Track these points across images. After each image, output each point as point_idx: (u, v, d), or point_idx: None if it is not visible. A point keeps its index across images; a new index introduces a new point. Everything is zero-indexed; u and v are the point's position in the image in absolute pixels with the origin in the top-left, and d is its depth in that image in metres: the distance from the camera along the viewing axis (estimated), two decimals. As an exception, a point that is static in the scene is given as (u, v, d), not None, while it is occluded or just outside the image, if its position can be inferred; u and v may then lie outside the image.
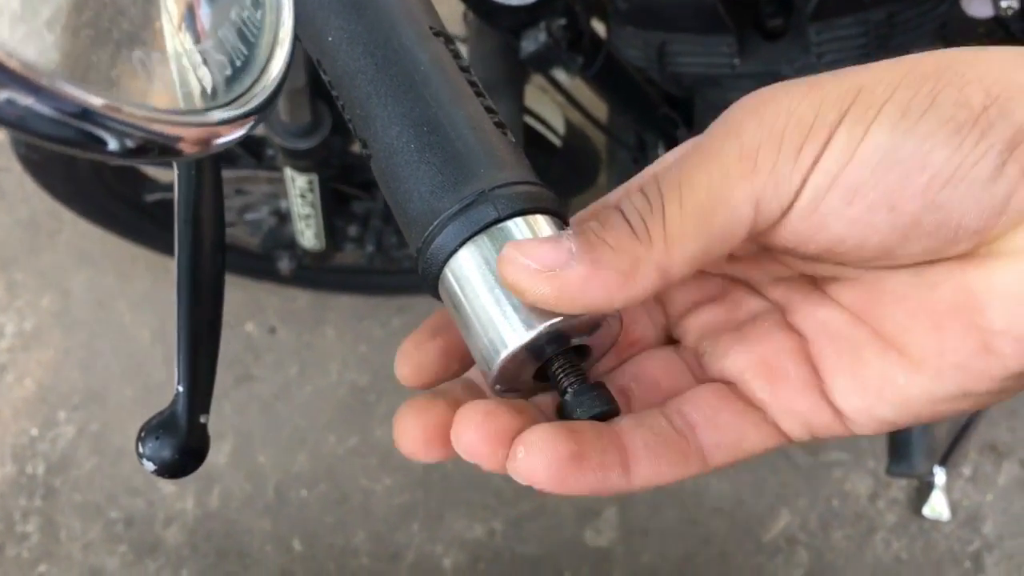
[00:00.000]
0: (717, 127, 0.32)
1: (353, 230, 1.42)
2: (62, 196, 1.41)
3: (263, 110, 0.26)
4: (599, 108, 1.23)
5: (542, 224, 0.34)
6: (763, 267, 0.37)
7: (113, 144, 0.21)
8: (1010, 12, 0.93)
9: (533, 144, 1.31)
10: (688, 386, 0.36)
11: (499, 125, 0.36)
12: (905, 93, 0.29)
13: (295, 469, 1.61)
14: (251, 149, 1.32)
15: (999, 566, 1.46)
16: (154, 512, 1.59)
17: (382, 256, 1.45)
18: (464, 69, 0.37)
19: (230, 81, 0.27)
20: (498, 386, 0.34)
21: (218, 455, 1.61)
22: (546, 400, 0.36)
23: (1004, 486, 1.50)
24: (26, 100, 0.20)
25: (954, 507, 1.48)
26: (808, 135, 0.30)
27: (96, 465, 1.63)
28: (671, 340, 0.39)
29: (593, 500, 1.54)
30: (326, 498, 1.59)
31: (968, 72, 0.29)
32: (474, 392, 0.36)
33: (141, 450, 0.37)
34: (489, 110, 0.36)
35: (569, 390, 0.34)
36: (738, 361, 0.35)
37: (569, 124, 1.38)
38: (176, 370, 0.38)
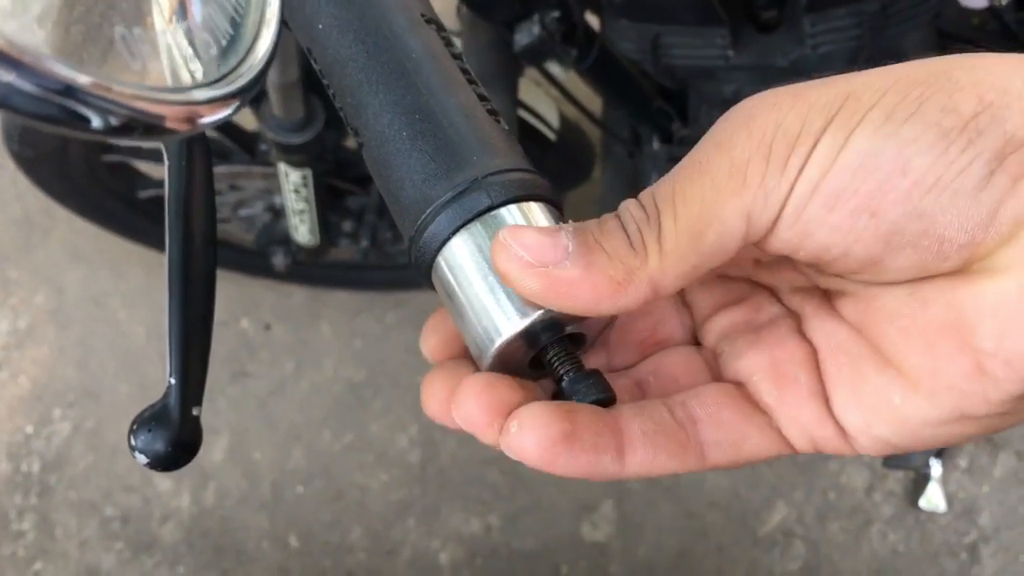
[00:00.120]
0: (708, 140, 0.32)
1: (348, 225, 1.41)
2: (55, 193, 1.40)
3: (249, 90, 0.26)
4: (593, 101, 1.23)
5: (536, 212, 0.34)
6: (783, 275, 0.37)
7: (97, 122, 0.20)
8: (1004, 2, 0.93)
9: (527, 138, 1.31)
10: (703, 384, 0.36)
11: (492, 112, 0.36)
12: (892, 98, 0.29)
13: (291, 465, 1.61)
14: (244, 144, 1.32)
15: (995, 557, 1.46)
16: (150, 509, 1.59)
17: (377, 251, 1.44)
18: (456, 56, 0.37)
19: (216, 61, 0.27)
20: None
21: (214, 452, 1.61)
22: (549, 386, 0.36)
23: (1000, 478, 1.50)
24: (7, 76, 0.19)
25: (950, 499, 1.49)
26: (795, 145, 0.29)
27: (91, 463, 1.62)
28: (697, 341, 0.39)
29: (589, 494, 1.54)
30: (322, 494, 1.59)
31: (963, 78, 0.29)
32: None
33: (133, 443, 0.37)
34: (482, 97, 0.36)
35: (565, 378, 0.33)
36: (751, 363, 0.35)
37: (563, 118, 1.37)
38: (168, 362, 0.38)
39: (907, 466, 1.44)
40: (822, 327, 0.35)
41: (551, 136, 1.35)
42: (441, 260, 0.34)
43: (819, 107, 0.30)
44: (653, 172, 1.18)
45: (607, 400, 0.33)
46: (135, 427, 0.37)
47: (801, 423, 0.34)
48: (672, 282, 0.31)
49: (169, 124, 0.22)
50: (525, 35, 0.95)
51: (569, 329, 0.34)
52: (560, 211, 0.35)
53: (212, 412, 1.64)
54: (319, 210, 1.29)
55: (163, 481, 1.59)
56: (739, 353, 0.36)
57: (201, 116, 0.23)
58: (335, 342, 1.71)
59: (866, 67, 0.31)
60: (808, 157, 0.29)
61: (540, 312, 0.32)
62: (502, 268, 0.31)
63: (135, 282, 1.74)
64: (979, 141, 0.27)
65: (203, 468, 1.59)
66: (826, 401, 0.33)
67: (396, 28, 0.36)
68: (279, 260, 1.46)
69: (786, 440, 0.34)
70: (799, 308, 0.36)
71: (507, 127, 0.36)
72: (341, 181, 1.34)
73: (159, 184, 1.44)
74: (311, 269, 1.60)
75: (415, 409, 1.63)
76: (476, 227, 0.33)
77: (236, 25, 0.28)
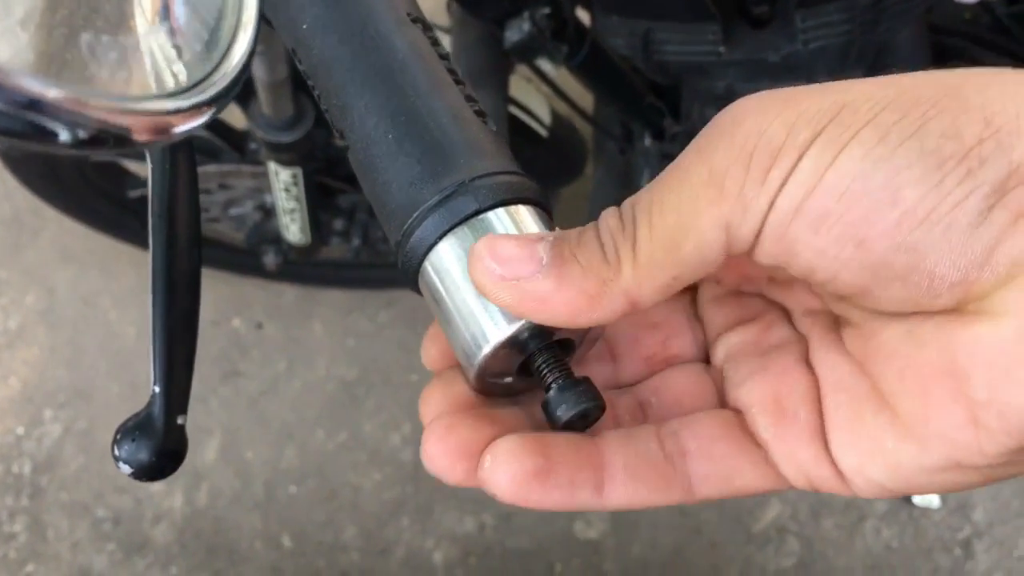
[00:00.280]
0: (692, 146, 0.31)
1: (339, 224, 1.41)
2: (44, 193, 1.40)
3: (223, 97, 0.25)
4: (585, 98, 1.23)
5: (524, 215, 0.33)
6: (796, 295, 0.36)
7: (65, 135, 0.20)
8: (996, -3, 0.93)
9: (519, 134, 1.30)
10: (709, 407, 0.35)
11: (479, 114, 0.35)
12: (890, 115, 0.27)
13: (284, 465, 1.60)
14: (234, 143, 1.31)
15: (989, 552, 1.46)
16: (142, 510, 1.58)
17: (368, 250, 1.44)
18: (443, 56, 0.36)
19: (190, 67, 0.26)
20: (480, 383, 0.33)
21: (206, 452, 1.60)
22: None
23: (993, 472, 1.50)
24: None
25: (944, 494, 1.49)
26: (777, 156, 0.28)
27: (83, 464, 1.61)
28: (708, 358, 0.38)
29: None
30: (315, 494, 1.58)
31: (973, 97, 0.26)
32: None
33: (117, 453, 0.36)
34: (469, 98, 0.35)
35: (553, 386, 0.33)
36: (752, 392, 0.34)
37: (555, 114, 1.37)
38: (152, 370, 0.37)
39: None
40: (827, 358, 0.33)
41: (543, 132, 1.34)
42: (428, 265, 0.33)
43: (808, 116, 0.28)
44: (645, 168, 1.18)
45: (596, 409, 0.33)
46: (119, 437, 0.36)
47: (798, 461, 0.32)
48: (649, 294, 0.30)
49: (140, 136, 0.21)
50: (515, 32, 0.94)
51: (558, 336, 0.33)
52: (549, 214, 0.34)
53: (204, 412, 1.63)
54: (310, 209, 1.29)
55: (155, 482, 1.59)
56: (742, 380, 0.35)
57: (174, 126, 0.22)
58: (327, 341, 1.70)
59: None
60: (791, 171, 0.27)
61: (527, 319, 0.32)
62: (476, 280, 0.31)
63: (126, 282, 1.73)
64: (980, 172, 0.25)
65: (195, 468, 1.58)
66: (825, 440, 0.32)
67: (381, 28, 0.35)
68: (270, 259, 1.45)
69: (781, 476, 0.33)
70: (808, 332, 0.35)
71: (494, 128, 0.35)
72: (332, 179, 1.33)
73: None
74: (302, 268, 1.59)
75: (408, 407, 1.63)
76: (463, 231, 0.32)
77: (210, 28, 0.27)
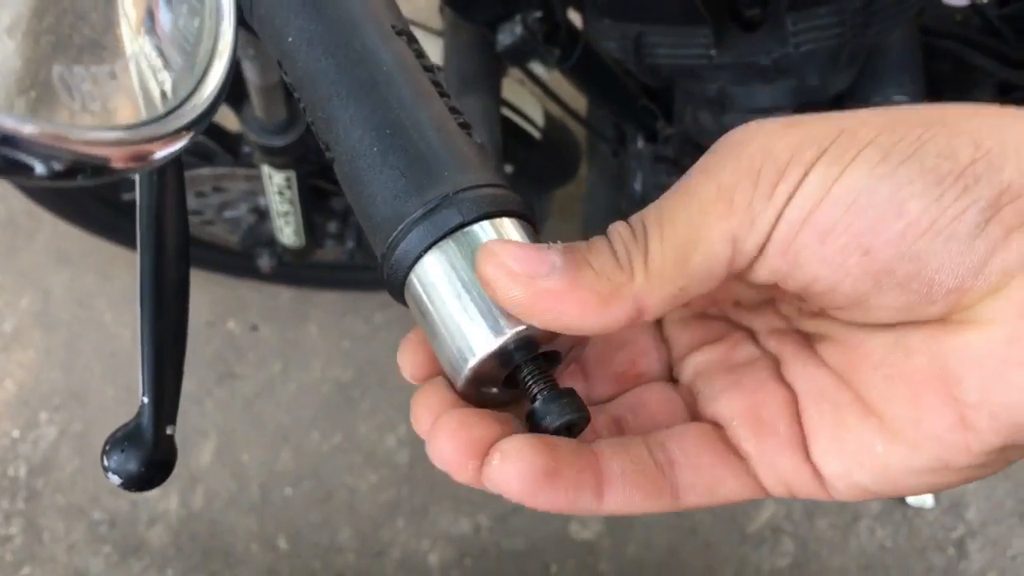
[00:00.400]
0: (697, 167, 0.32)
1: (333, 226, 1.41)
2: (39, 196, 1.39)
3: (200, 122, 0.25)
4: (578, 101, 1.23)
5: (508, 227, 0.33)
6: (762, 317, 0.37)
7: (40, 169, 0.20)
8: (985, 0, 0.93)
9: (512, 137, 1.30)
10: (682, 423, 0.36)
11: (463, 126, 0.35)
12: (889, 137, 0.29)
13: (279, 467, 1.60)
14: (228, 146, 1.31)
15: (983, 552, 1.47)
16: (138, 513, 1.58)
17: (363, 252, 1.44)
18: (428, 69, 0.36)
19: (165, 94, 0.26)
20: (467, 394, 0.34)
21: (202, 454, 1.60)
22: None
23: (987, 472, 1.51)
24: None
25: (937, 494, 1.49)
26: (784, 172, 0.30)
27: (78, 466, 1.61)
28: (673, 378, 0.39)
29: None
30: (311, 496, 1.58)
31: (961, 124, 0.29)
32: None
33: (106, 464, 0.37)
34: (453, 111, 0.35)
35: (539, 397, 0.33)
36: (730, 406, 0.35)
37: (548, 116, 1.37)
38: (140, 380, 0.37)
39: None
40: (803, 372, 0.35)
41: (536, 135, 1.34)
42: (414, 278, 0.33)
43: (811, 138, 0.30)
44: (638, 170, 1.18)
45: (581, 420, 0.33)
46: (108, 447, 0.36)
47: (778, 471, 0.34)
48: (657, 303, 0.31)
49: (119, 164, 0.21)
50: (508, 35, 0.94)
51: (543, 348, 0.33)
52: (534, 227, 0.35)
53: (199, 414, 1.63)
54: (304, 211, 1.29)
55: (150, 484, 1.59)
56: (716, 394, 0.36)
57: (153, 152, 0.22)
58: (322, 343, 1.70)
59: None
60: (798, 186, 0.29)
61: (514, 331, 0.32)
62: (488, 275, 0.31)
63: (121, 284, 1.73)
64: (975, 188, 0.28)
65: (191, 471, 1.58)
66: (805, 449, 0.33)
67: (367, 40, 0.36)
68: (265, 262, 1.46)
69: (762, 485, 0.34)
70: (777, 351, 0.36)
71: (479, 140, 0.36)
72: (325, 182, 1.33)
73: (143, 186, 1.43)
74: (297, 270, 1.59)
75: (403, 409, 1.63)
76: (449, 244, 0.33)
77: (186, 55, 0.27)
